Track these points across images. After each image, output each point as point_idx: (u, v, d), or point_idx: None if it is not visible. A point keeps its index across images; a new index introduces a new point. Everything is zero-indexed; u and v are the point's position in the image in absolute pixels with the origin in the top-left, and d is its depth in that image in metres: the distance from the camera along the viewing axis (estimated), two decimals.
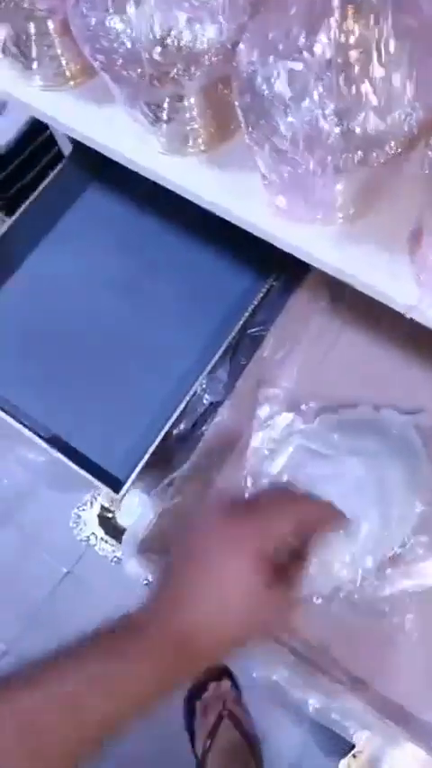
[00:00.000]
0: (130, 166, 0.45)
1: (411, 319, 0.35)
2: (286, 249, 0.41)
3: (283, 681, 0.53)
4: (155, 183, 0.43)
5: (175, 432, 0.56)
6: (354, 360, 0.60)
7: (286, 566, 0.43)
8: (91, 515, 0.91)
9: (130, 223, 0.69)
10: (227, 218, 0.42)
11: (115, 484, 0.53)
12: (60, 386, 0.62)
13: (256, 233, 0.42)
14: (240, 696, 1.12)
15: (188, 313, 0.61)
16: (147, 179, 0.44)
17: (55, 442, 0.56)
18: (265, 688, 1.06)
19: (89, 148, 0.45)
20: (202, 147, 0.43)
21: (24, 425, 0.55)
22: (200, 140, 0.42)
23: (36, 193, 0.66)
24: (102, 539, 0.94)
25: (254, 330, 0.57)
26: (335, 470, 0.53)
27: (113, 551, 0.95)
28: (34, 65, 0.44)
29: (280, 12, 0.29)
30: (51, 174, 0.67)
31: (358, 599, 0.52)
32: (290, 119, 0.29)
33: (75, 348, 0.64)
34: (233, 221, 0.42)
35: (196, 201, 0.43)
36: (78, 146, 0.68)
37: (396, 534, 0.52)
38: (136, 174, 0.44)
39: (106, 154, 0.45)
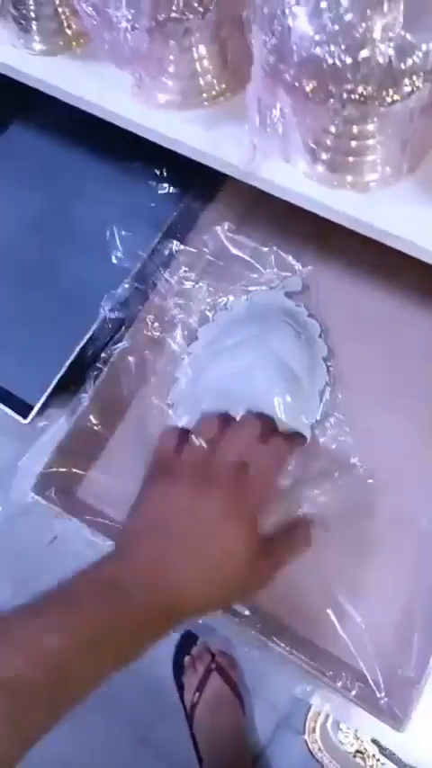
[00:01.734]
0: (8, 74, 0.44)
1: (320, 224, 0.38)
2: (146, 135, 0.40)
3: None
4: (70, 118, 0.47)
5: (87, 355, 0.54)
6: None
7: (272, 538, 0.45)
8: None
9: (47, 159, 0.70)
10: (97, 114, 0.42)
11: (24, 410, 0.53)
12: None
13: (120, 123, 0.41)
14: (229, 648, 1.12)
15: (101, 239, 0.60)
16: (63, 115, 0.48)
17: None
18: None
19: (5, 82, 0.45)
20: (74, 44, 0.44)
21: None
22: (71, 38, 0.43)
23: None
24: None
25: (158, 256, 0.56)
26: (233, 367, 0.51)
27: None
28: None
29: None
30: None
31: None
32: None
33: None
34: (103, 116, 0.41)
35: (66, 99, 0.42)
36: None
37: (311, 405, 0.51)
38: (53, 110, 0.47)
39: None
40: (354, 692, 0.43)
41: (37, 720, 0.34)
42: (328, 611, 0.47)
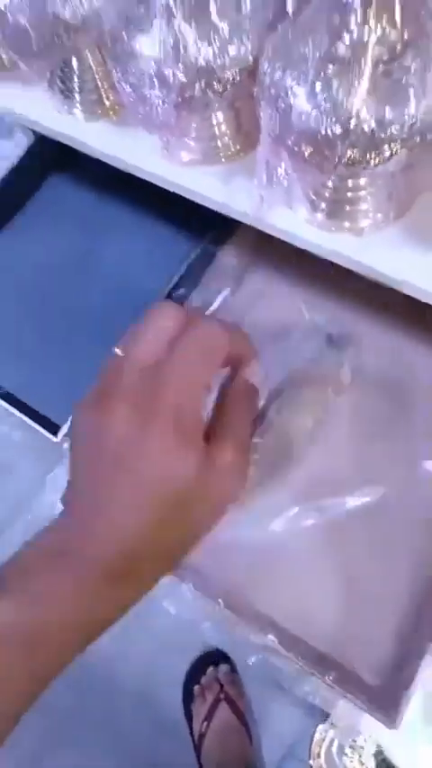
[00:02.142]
0: (54, 136, 0.53)
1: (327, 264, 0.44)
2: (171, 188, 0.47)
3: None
4: (102, 172, 0.54)
5: None
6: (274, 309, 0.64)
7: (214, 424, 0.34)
8: None
9: (80, 207, 0.77)
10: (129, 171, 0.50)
11: (53, 428, 0.58)
12: (12, 347, 0.69)
13: (149, 178, 0.48)
14: (238, 679, 1.13)
15: (127, 280, 0.67)
16: (99, 169, 0.54)
17: (5, 396, 0.62)
18: (261, 671, 1.07)
19: (47, 142, 0.53)
20: (111, 112, 0.53)
21: None
22: (109, 108, 0.52)
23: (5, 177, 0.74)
24: None
25: (179, 291, 0.62)
26: None
27: None
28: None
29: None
30: (11, 166, 0.75)
31: None
32: None
33: (28, 317, 0.71)
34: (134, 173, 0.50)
35: (102, 158, 0.50)
36: (38, 140, 0.76)
37: None
38: (90, 165, 0.54)
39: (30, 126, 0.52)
40: (348, 690, 0.47)
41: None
42: (324, 611, 0.51)
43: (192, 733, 1.09)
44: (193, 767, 1.05)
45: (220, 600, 0.51)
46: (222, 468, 0.32)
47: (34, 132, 0.78)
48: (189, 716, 1.11)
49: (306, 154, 0.35)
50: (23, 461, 0.96)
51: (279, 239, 0.46)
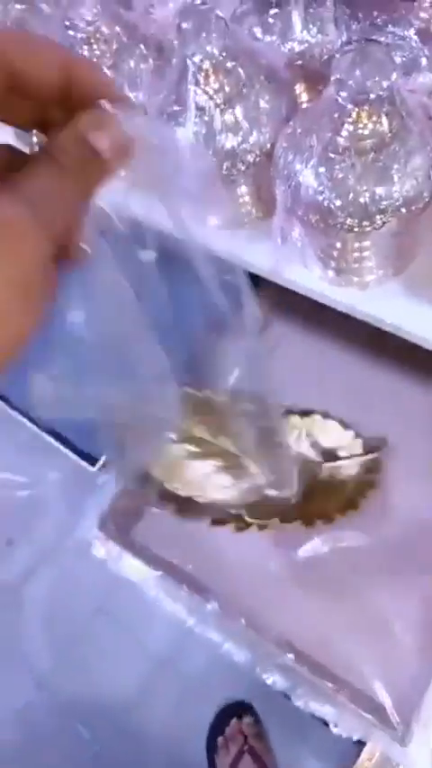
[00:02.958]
0: None
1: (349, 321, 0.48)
2: None
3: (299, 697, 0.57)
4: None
5: None
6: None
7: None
8: None
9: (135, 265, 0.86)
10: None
11: (91, 460, 0.64)
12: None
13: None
14: (262, 731, 1.13)
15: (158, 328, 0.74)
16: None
17: (47, 429, 0.69)
18: (286, 718, 1.07)
19: None
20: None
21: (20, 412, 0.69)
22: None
23: None
24: None
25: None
26: None
27: None
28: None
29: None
30: None
31: None
32: None
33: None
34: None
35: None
36: None
37: None
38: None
39: None
40: (360, 707, 0.50)
41: None
42: (339, 633, 0.54)
43: None
44: None
45: (242, 619, 0.55)
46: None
47: None
48: (213, 766, 1.10)
49: (313, 221, 0.42)
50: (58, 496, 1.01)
51: (296, 293, 0.53)
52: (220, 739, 1.12)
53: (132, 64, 0.52)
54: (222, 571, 0.59)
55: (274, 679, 0.55)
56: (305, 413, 0.64)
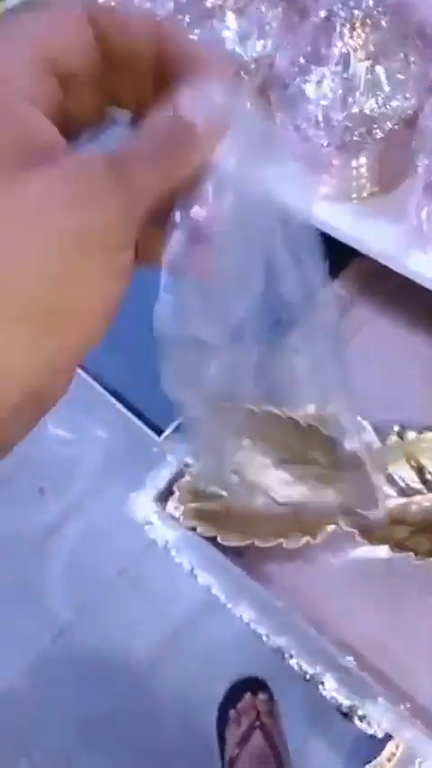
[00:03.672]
0: None
1: None
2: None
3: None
4: None
5: None
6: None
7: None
8: None
9: None
10: None
11: (157, 431, 0.62)
12: (122, 349, 0.73)
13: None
14: (275, 709, 1.13)
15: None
16: None
17: (116, 395, 0.66)
18: (303, 703, 1.06)
19: None
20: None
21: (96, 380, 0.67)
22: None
23: None
24: None
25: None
26: None
27: None
28: None
29: None
30: None
31: None
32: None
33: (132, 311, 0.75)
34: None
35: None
36: None
37: None
38: None
39: None
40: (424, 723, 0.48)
41: None
42: (404, 644, 0.52)
43: (222, 755, 1.09)
44: None
45: (299, 614, 0.53)
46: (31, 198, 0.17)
47: None
48: (222, 737, 1.11)
49: None
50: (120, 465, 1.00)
51: (385, 277, 0.49)
52: (232, 712, 1.13)
53: (263, 8, 0.48)
54: (279, 562, 0.58)
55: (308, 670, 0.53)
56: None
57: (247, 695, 1.11)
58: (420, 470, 0.55)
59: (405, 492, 0.55)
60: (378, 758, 0.88)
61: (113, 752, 1.08)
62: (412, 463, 0.55)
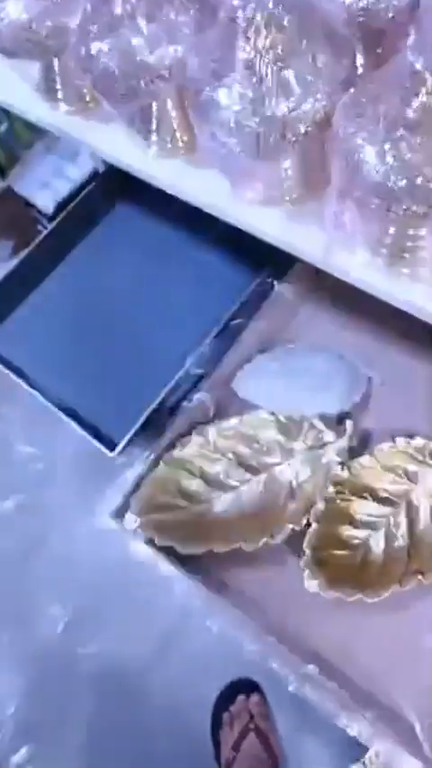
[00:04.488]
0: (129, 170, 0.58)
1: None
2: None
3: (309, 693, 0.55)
4: (169, 202, 0.56)
5: (167, 403, 0.63)
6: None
7: None
8: None
9: (145, 234, 0.81)
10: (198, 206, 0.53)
11: (111, 445, 0.61)
12: (77, 364, 0.73)
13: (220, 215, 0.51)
14: (269, 711, 1.12)
15: (188, 303, 0.70)
16: (164, 201, 0.56)
17: (66, 410, 0.66)
18: (297, 704, 1.06)
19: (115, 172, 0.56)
20: (182, 152, 0.55)
21: (45, 397, 0.66)
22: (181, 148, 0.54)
23: (70, 208, 0.79)
24: None
25: (237, 321, 0.66)
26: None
27: None
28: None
29: None
30: (82, 193, 0.80)
31: None
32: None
33: (93, 334, 0.75)
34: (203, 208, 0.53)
35: (175, 193, 0.53)
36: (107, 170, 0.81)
37: None
38: (153, 193, 0.57)
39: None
40: (390, 728, 0.47)
41: None
42: (370, 648, 0.51)
43: (218, 759, 1.08)
44: None
45: (261, 625, 0.52)
46: None
47: (104, 161, 0.83)
48: (216, 741, 1.10)
49: (372, 206, 0.37)
50: (72, 474, 0.99)
51: (335, 277, 0.48)
52: (225, 715, 1.12)
53: (172, 15, 0.46)
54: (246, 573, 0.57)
55: (293, 688, 0.52)
56: None
57: (240, 697, 1.10)
58: None
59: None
60: (364, 758, 0.87)
61: (105, 755, 1.08)
62: None
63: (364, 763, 0.81)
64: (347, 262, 0.46)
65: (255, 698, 1.09)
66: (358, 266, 0.46)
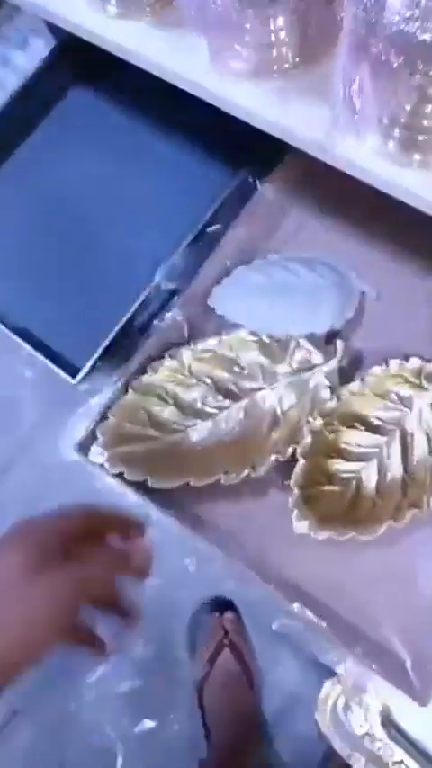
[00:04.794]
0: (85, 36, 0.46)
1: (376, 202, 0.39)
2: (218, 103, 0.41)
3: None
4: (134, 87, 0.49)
5: (136, 323, 0.56)
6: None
7: None
8: None
9: (104, 125, 0.70)
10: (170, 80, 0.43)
11: (73, 371, 0.54)
12: (32, 279, 0.64)
13: (193, 90, 0.42)
14: (242, 627, 1.13)
15: (157, 207, 0.61)
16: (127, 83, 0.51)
17: (22, 333, 0.58)
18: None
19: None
20: (149, 12, 0.45)
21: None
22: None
23: (13, 94, 0.67)
24: None
25: (215, 227, 0.57)
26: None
27: None
28: None
29: None
30: (26, 77, 0.68)
31: None
32: None
33: (48, 243, 0.66)
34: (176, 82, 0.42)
35: (142, 65, 0.43)
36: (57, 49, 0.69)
37: None
38: (117, 78, 0.51)
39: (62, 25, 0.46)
40: (377, 664, 0.44)
41: None
42: (357, 583, 0.48)
43: (192, 672, 1.10)
44: (193, 709, 1.06)
45: (243, 562, 0.48)
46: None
47: (57, 38, 0.70)
48: (192, 658, 1.12)
49: (394, 65, 0.29)
50: (34, 401, 0.93)
51: (327, 176, 0.40)
52: (198, 633, 1.13)
53: None
54: (223, 506, 0.52)
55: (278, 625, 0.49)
56: None
57: (215, 614, 1.11)
58: None
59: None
60: (337, 675, 0.88)
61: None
62: None
63: (339, 679, 0.82)
64: (354, 150, 0.38)
65: (229, 614, 1.10)
66: (366, 154, 0.38)
